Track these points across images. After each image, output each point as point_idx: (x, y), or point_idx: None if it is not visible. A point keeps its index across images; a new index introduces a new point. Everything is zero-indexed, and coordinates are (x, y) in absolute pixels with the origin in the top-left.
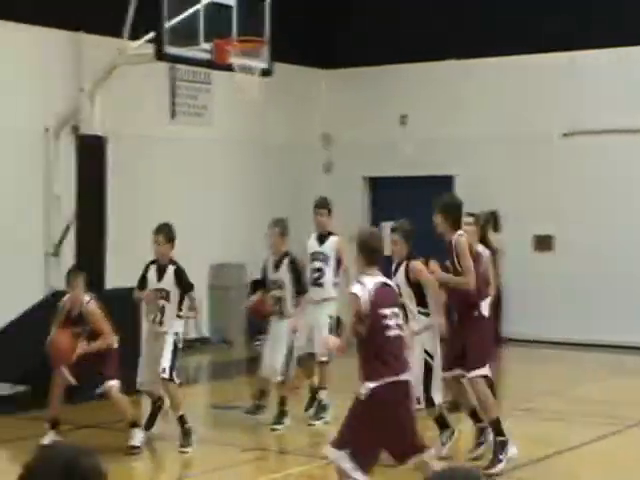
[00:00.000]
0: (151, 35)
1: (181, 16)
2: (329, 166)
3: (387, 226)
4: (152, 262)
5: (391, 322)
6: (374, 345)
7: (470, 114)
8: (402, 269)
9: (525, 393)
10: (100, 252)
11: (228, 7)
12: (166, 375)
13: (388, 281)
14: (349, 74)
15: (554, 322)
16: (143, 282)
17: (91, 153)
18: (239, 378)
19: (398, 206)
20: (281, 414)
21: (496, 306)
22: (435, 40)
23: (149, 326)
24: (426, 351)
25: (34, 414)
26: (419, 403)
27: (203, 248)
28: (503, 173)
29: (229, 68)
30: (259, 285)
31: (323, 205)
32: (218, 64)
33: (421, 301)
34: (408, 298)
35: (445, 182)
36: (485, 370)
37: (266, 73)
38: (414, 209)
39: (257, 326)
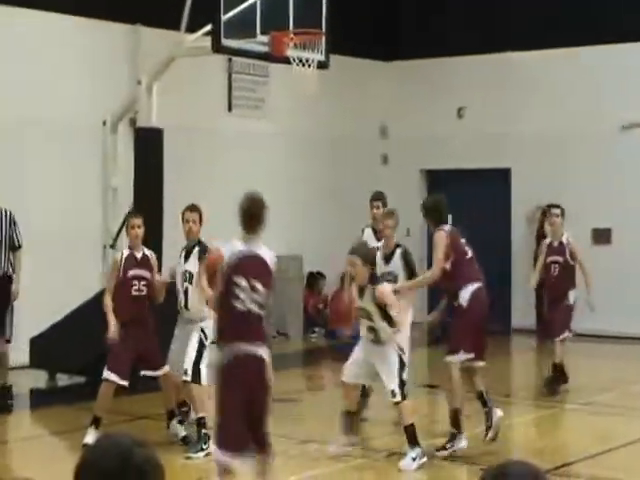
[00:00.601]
0: (208, 28)
1: (238, 8)
2: (386, 159)
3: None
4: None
5: (242, 295)
6: (222, 309)
7: (527, 107)
8: (368, 293)
9: (585, 387)
10: (157, 244)
11: None
12: (188, 377)
13: (262, 254)
14: (407, 66)
15: (613, 316)
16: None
17: (148, 145)
18: (295, 370)
19: (454, 199)
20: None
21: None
22: (494, 32)
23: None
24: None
25: (92, 405)
26: (394, 396)
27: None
28: (560, 166)
29: (286, 61)
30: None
31: (378, 197)
32: (275, 57)
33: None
34: (377, 317)
35: (501, 175)
36: (460, 357)
37: (323, 65)
38: (470, 202)
39: (313, 319)
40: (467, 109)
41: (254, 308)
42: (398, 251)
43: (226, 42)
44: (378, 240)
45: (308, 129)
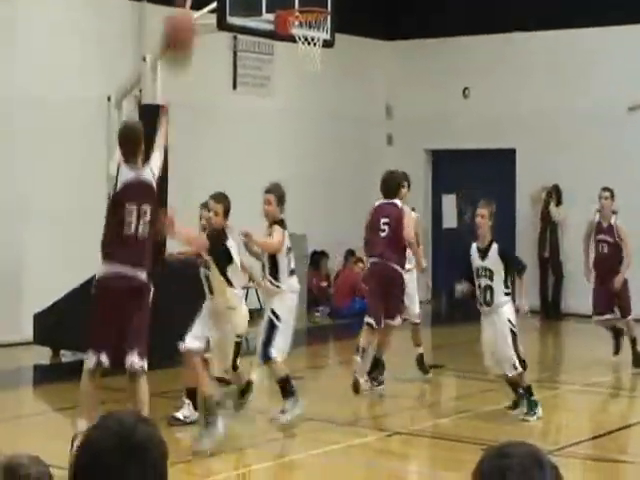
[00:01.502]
0: (214, 5)
1: None
2: (391, 138)
3: (448, 198)
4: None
5: (130, 218)
6: (110, 232)
7: (533, 87)
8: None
9: (585, 368)
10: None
11: None
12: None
13: (144, 177)
14: (412, 46)
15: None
16: None
17: (153, 122)
18: (299, 349)
19: (460, 179)
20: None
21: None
22: (499, 12)
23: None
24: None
25: (98, 382)
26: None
27: (264, 219)
28: (565, 147)
29: (291, 39)
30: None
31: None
32: (280, 35)
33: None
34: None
35: (507, 155)
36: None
37: (328, 44)
38: (475, 181)
39: (317, 297)
40: (472, 89)
41: (141, 231)
42: (494, 246)
43: (231, 20)
44: None
45: (313, 108)
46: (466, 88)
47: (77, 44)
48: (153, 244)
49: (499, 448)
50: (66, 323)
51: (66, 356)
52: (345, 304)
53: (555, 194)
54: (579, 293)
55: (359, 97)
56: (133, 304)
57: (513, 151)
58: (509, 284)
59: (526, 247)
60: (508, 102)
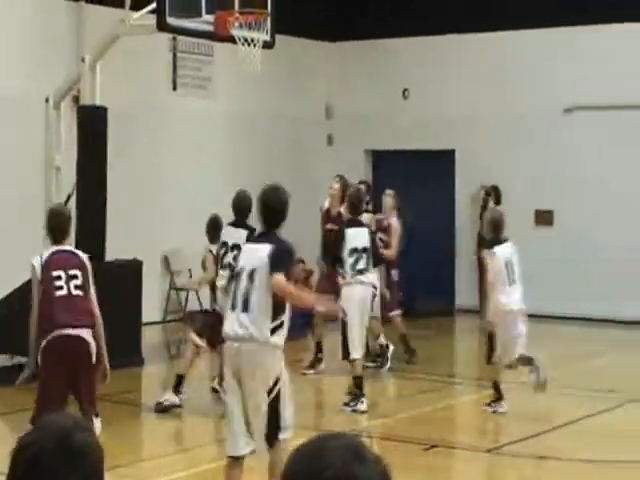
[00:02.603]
0: (153, 6)
1: None
2: (331, 139)
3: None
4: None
5: (61, 283)
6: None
7: (471, 89)
8: None
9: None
10: (101, 223)
11: None
12: None
13: (72, 249)
14: (352, 47)
15: (553, 296)
16: None
17: (92, 124)
18: None
19: (399, 179)
20: None
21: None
22: (438, 14)
23: None
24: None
25: (33, 386)
26: None
27: (203, 219)
28: (503, 148)
29: (231, 40)
30: None
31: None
32: (220, 36)
33: None
34: None
35: (446, 156)
36: None
37: (268, 45)
38: (415, 182)
39: None
40: (412, 90)
41: (75, 291)
42: None
43: (171, 20)
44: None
45: (253, 109)
46: (406, 89)
47: (15, 44)
48: None
49: (315, 444)
50: (3, 326)
51: (3, 359)
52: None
53: (494, 194)
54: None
55: (299, 98)
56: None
57: (452, 152)
58: None
59: (466, 247)
60: (447, 103)
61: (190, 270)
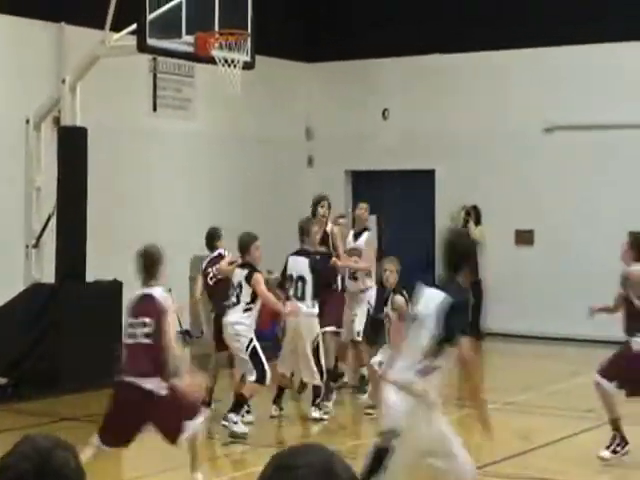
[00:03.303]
0: (133, 27)
1: (163, 8)
2: (311, 160)
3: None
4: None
5: (131, 330)
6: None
7: (452, 109)
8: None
9: (505, 387)
10: (81, 244)
11: None
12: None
13: (152, 293)
14: (332, 68)
15: (534, 316)
16: None
17: (72, 145)
18: (223, 370)
19: (379, 200)
20: None
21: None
22: (418, 34)
23: None
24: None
25: (14, 406)
26: None
27: (184, 240)
28: (483, 168)
29: (212, 61)
30: None
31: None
32: (200, 57)
33: None
34: None
35: (426, 176)
36: None
37: (249, 66)
38: (395, 203)
39: None
40: (392, 110)
41: (143, 340)
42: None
43: (151, 42)
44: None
45: (233, 130)
46: (385, 109)
47: None
48: None
49: (285, 457)
50: None
51: None
52: (266, 327)
53: (474, 214)
54: (498, 312)
55: (280, 119)
56: None
57: (432, 172)
58: None
59: None
60: (427, 123)
61: (170, 290)
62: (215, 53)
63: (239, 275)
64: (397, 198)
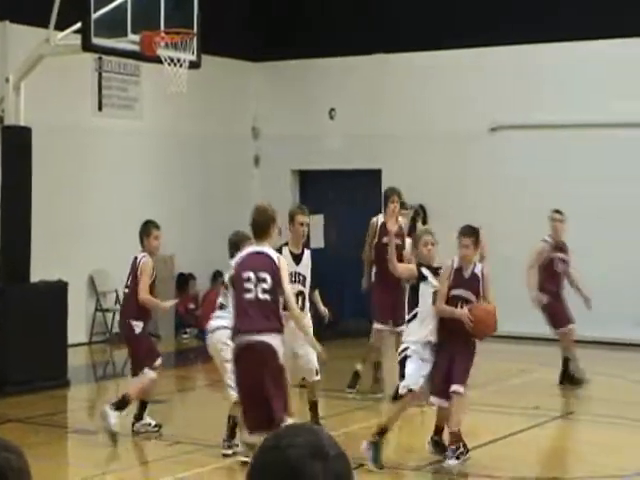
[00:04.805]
0: (78, 26)
1: (108, 7)
2: (257, 159)
3: (315, 218)
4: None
5: (250, 285)
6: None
7: (398, 108)
8: None
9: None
10: (25, 243)
11: None
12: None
13: (266, 251)
14: (278, 67)
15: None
16: None
17: (16, 144)
18: (166, 371)
19: (326, 199)
20: None
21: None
22: (363, 35)
23: None
24: None
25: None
26: None
27: (130, 240)
28: (430, 167)
29: (157, 60)
30: None
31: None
32: (146, 56)
33: None
34: None
35: (373, 176)
36: None
37: (195, 65)
38: (342, 202)
39: (184, 319)
40: (338, 110)
41: (262, 296)
42: None
43: (96, 40)
44: None
45: (180, 129)
46: (332, 109)
47: None
48: None
49: (275, 437)
50: None
51: None
52: None
53: (422, 213)
54: None
55: (226, 118)
56: None
57: (379, 171)
58: None
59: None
60: (374, 123)
61: (116, 291)
62: (161, 52)
63: None
64: (344, 198)
